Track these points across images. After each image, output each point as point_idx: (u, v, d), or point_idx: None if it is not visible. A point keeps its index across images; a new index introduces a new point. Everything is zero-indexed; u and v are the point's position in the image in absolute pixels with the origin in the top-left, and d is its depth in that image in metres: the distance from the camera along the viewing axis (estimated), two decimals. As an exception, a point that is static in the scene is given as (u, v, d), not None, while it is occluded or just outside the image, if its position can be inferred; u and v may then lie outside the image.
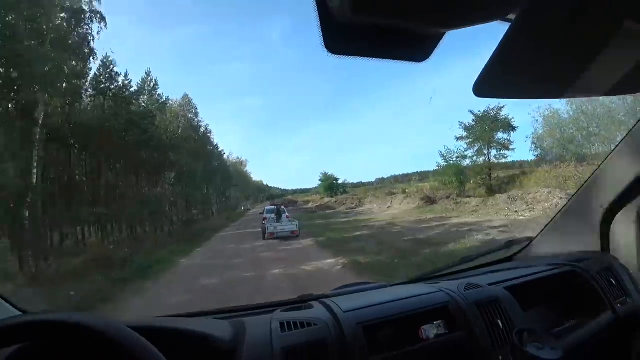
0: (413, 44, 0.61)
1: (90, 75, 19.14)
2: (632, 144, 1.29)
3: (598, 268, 1.32)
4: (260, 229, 16.84)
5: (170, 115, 25.59)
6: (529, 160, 24.92)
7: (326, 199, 51.41)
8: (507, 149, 23.93)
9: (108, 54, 20.28)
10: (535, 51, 0.63)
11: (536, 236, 1.63)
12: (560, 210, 1.58)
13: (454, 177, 23.77)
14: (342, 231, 16.18)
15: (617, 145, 1.34)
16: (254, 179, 75.97)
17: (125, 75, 22.06)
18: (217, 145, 44.44)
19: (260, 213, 20.97)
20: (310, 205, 49.92)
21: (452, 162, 24.41)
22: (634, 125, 1.26)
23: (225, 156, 48.01)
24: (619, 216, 1.39)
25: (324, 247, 11.91)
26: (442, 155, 24.92)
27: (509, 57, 0.61)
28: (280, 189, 68.69)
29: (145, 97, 24.73)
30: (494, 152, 24.35)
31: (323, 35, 0.54)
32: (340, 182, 55.14)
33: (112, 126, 18.51)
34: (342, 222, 20.73)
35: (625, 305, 1.27)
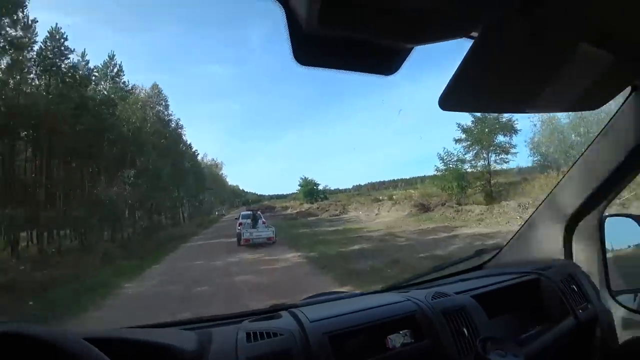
0: (381, 58, 0.63)
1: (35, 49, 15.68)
2: (592, 157, 1.34)
3: (561, 276, 1.36)
4: (235, 239, 15.44)
5: (134, 105, 22.03)
6: (529, 166, 22.87)
7: (306, 205, 48.60)
8: (508, 153, 21.85)
9: (59, 27, 16.86)
10: (496, 68, 0.68)
11: (505, 245, 1.66)
12: (528, 219, 1.62)
13: (455, 182, 21.34)
14: (334, 244, 13.33)
15: (579, 158, 1.40)
16: (229, 183, 72.87)
17: (82, 55, 18.59)
18: (190, 144, 40.99)
19: (236, 218, 20.13)
20: (289, 211, 47.00)
21: (451, 165, 22.00)
22: (593, 140, 1.32)
23: (199, 157, 44.47)
24: (580, 225, 1.44)
25: (320, 268, 9.18)
26: (441, 158, 22.45)
27: (472, 72, 0.66)
28: (257, 194, 67.45)
29: (108, 83, 21.27)
30: (493, 156, 22.21)
31: (292, 47, 0.56)
32: (320, 187, 52.33)
33: (57, 110, 15.01)
34: (331, 232, 18.05)
35: (586, 310, 1.32)
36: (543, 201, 1.54)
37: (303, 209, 38.23)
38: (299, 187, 53.82)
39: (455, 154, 22.20)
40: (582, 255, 1.43)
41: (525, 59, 0.68)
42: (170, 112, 27.85)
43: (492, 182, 22.03)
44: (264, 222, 17.28)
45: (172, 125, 28.52)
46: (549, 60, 0.71)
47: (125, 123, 20.48)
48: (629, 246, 1.45)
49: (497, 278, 1.37)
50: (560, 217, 1.44)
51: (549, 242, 1.49)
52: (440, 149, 23.15)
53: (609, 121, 1.25)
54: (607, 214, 1.40)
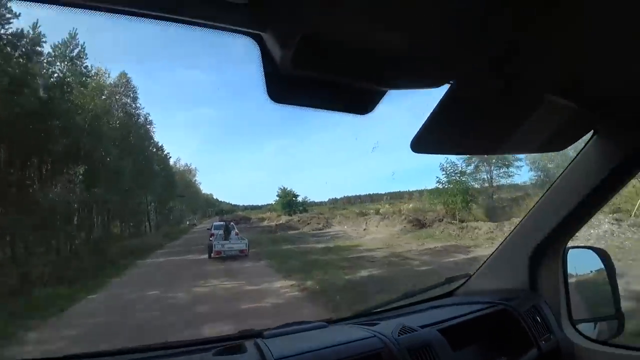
0: (355, 99, 0.64)
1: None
2: (556, 193, 1.37)
3: (526, 306, 1.37)
4: (206, 255, 14.01)
5: (94, 92, 18.54)
6: (527, 182, 21.00)
7: (284, 217, 45.57)
8: (511, 166, 19.85)
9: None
10: (467, 115, 0.72)
11: (474, 273, 1.65)
12: (497, 248, 1.63)
13: (459, 197, 18.96)
14: (333, 267, 10.48)
15: (544, 194, 1.44)
16: (203, 192, 68.90)
17: (35, 26, 15.11)
18: (162, 146, 37.30)
19: (208, 229, 19.45)
20: (266, 223, 43.65)
21: (454, 178, 19.69)
22: (558, 177, 1.37)
23: (171, 161, 40.72)
24: (545, 256, 1.44)
25: (333, 310, 6.01)
26: (444, 169, 20.09)
27: (444, 119, 0.69)
28: (231, 204, 62.35)
29: (65, 64, 17.73)
30: (495, 170, 20.15)
31: (266, 84, 0.56)
32: (299, 199, 49.37)
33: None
34: (321, 250, 15.18)
35: (549, 341, 1.33)
36: (511, 233, 1.57)
37: (282, 222, 35.04)
38: (277, 198, 50.71)
39: (458, 165, 20.02)
40: (546, 286, 1.45)
41: (495, 107, 0.74)
42: (138, 105, 24.35)
43: (494, 197, 19.99)
44: (237, 234, 16.52)
45: (140, 120, 24.96)
46: (517, 108, 0.78)
47: (82, 111, 16.96)
48: (590, 276, 1.48)
49: (465, 308, 1.38)
50: (526, 249, 1.46)
51: (515, 272, 1.51)
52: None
53: (573, 161, 1.31)
54: (569, 245, 1.45)
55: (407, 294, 1.54)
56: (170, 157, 40.00)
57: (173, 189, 39.08)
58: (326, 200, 46.28)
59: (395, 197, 40.48)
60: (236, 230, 17.35)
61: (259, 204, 49.01)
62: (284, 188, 50.99)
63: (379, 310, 1.47)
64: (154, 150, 33.63)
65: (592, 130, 1.19)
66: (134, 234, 24.42)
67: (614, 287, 1.38)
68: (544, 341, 1.30)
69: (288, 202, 47.98)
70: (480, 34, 0.54)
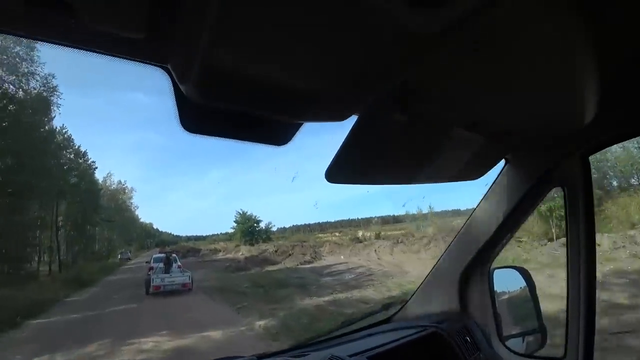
0: (270, 130, 0.64)
1: None
2: (478, 219, 1.41)
3: (456, 327, 1.38)
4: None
5: None
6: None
7: (244, 248, 36.53)
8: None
9: None
10: (378, 146, 0.74)
11: (410, 298, 1.65)
12: (429, 273, 1.62)
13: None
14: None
15: (467, 219, 1.46)
16: (141, 220, 57.46)
17: None
18: (85, 152, 27.16)
19: (147, 262, 17.37)
20: (223, 255, 34.53)
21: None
22: (479, 203, 1.41)
23: (100, 177, 30.43)
24: (472, 278, 1.47)
25: None
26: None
27: (355, 149, 0.70)
28: (173, 235, 60.55)
29: None
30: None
31: (178, 114, 0.56)
32: (262, 225, 40.39)
33: None
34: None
35: None
36: (440, 258, 1.58)
37: (251, 254, 26.01)
38: (235, 225, 41.10)
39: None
40: (475, 306, 1.46)
41: (405, 139, 0.76)
42: (37, 68, 14.89)
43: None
44: (179, 266, 14.88)
45: (36, 90, 15.30)
46: (426, 141, 0.80)
47: None
48: (515, 294, 1.50)
49: (399, 333, 1.37)
50: (455, 272, 1.47)
51: (446, 296, 1.51)
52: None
53: (490, 188, 1.36)
54: (494, 266, 1.47)
55: (345, 322, 1.54)
56: (96, 167, 29.54)
57: (96, 210, 28.45)
58: (274, 229, 41.23)
59: (345, 225, 39.42)
60: (179, 263, 15.62)
61: (203, 235, 48.51)
62: (243, 212, 41.56)
63: (314, 341, 1.42)
64: (69, 154, 23.51)
65: (504, 159, 1.26)
66: (12, 279, 14.23)
67: (536, 302, 1.42)
68: None
69: (248, 228, 38.79)
70: (380, 74, 0.55)
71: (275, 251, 24.29)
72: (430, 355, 1.32)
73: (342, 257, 20.99)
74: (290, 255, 23.33)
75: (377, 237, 24.94)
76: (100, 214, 30.02)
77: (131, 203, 43.82)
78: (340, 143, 0.69)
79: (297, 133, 0.65)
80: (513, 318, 1.50)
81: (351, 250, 22.09)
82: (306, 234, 41.86)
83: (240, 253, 36.19)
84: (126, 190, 40.61)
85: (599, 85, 0.74)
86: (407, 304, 1.64)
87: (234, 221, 40.78)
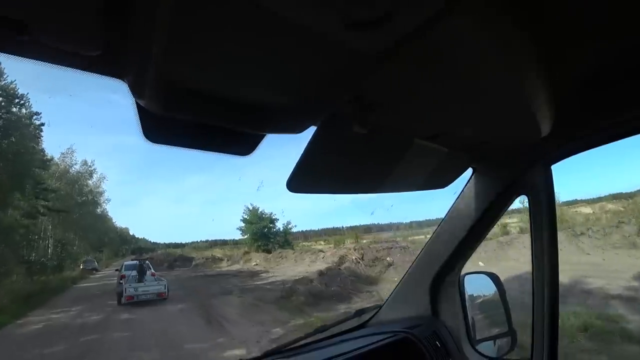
0: (233, 141, 0.63)
1: None
2: (447, 226, 1.41)
3: (427, 333, 1.38)
4: None
5: None
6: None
7: (257, 255, 26.08)
8: None
9: None
10: (338, 155, 0.73)
11: (383, 303, 1.64)
12: (402, 279, 1.62)
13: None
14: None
15: (438, 226, 1.47)
16: (116, 223, 46.30)
17: None
18: (32, 114, 16.68)
19: (117, 269, 16.42)
20: (229, 266, 25.76)
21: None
22: (448, 211, 1.40)
23: (56, 153, 19.99)
24: (444, 283, 1.47)
25: None
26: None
27: (314, 159, 0.69)
28: (150, 242, 52.89)
29: None
30: None
31: (140, 125, 0.54)
32: (279, 225, 29.78)
33: None
34: None
35: None
36: (412, 264, 1.57)
37: (319, 271, 15.62)
38: (243, 225, 30.28)
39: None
40: (447, 311, 1.47)
41: (363, 150, 0.75)
42: None
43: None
44: (153, 274, 13.38)
45: None
46: (386, 151, 0.80)
47: None
48: (486, 298, 1.52)
49: (372, 339, 1.35)
50: (427, 277, 1.48)
51: (418, 301, 1.52)
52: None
53: (458, 196, 1.35)
54: (464, 272, 1.46)
55: (319, 329, 1.46)
56: (42, 136, 18.64)
57: (36, 193, 17.33)
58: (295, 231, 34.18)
59: (330, 233, 37.40)
60: (153, 271, 13.94)
61: (182, 242, 42.15)
62: (254, 208, 30.67)
63: (289, 347, 1.38)
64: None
65: (471, 168, 1.26)
66: None
67: (506, 306, 1.43)
68: None
69: (262, 230, 28.01)
70: (333, 87, 0.55)
71: (361, 258, 13.64)
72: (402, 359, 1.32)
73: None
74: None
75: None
76: (46, 199, 18.73)
77: (103, 197, 32.16)
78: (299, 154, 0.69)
79: (261, 144, 0.65)
80: (484, 322, 1.50)
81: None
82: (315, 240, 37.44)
83: (254, 263, 25.45)
84: (94, 175, 29.02)
85: (557, 96, 0.74)
86: (381, 310, 1.62)
87: (242, 219, 29.88)
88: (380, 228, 33.09)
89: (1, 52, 0.46)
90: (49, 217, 20.85)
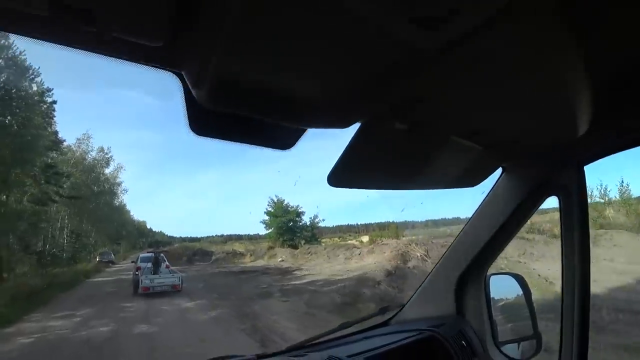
0: (275, 135, 0.66)
1: None
2: (475, 225, 1.40)
3: (453, 332, 1.37)
4: None
5: None
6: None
7: (283, 251, 24.07)
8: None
9: None
10: (378, 152, 0.77)
11: (407, 302, 1.62)
12: (426, 278, 1.61)
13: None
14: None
15: (465, 225, 1.45)
16: (133, 216, 45.22)
17: None
18: (35, 72, 14.99)
19: (133, 261, 16.70)
20: (252, 262, 24.12)
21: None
22: (476, 210, 1.39)
23: (71, 139, 18.33)
24: (469, 283, 1.45)
25: None
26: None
27: (356, 155, 0.73)
28: (167, 235, 50.96)
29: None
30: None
31: (187, 117, 0.57)
32: (306, 219, 27.47)
33: None
34: None
35: None
36: (437, 263, 1.57)
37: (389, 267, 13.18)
38: (268, 218, 28.00)
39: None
40: (472, 311, 1.45)
41: (403, 147, 0.78)
42: None
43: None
44: (167, 267, 13.53)
45: None
46: (424, 148, 0.82)
47: None
48: (511, 300, 1.50)
49: (396, 336, 1.35)
50: (452, 277, 1.46)
51: (443, 300, 1.50)
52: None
53: (487, 195, 1.34)
54: (490, 272, 1.46)
55: (342, 325, 1.46)
56: (54, 117, 17.04)
57: (47, 177, 15.55)
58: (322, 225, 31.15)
59: (344, 230, 36.43)
60: (167, 263, 13.89)
61: (197, 236, 40.28)
62: (279, 200, 28.43)
63: (311, 343, 1.38)
64: None
65: (501, 167, 1.25)
66: None
67: (531, 309, 1.40)
68: None
69: (288, 223, 25.79)
70: (382, 85, 0.58)
71: (426, 255, 11.17)
72: (427, 358, 1.32)
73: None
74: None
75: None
76: (58, 184, 16.90)
77: (121, 187, 30.39)
78: (340, 149, 0.71)
79: (301, 138, 0.67)
80: (508, 324, 1.48)
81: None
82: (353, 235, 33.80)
83: (280, 258, 23.31)
84: (111, 163, 27.21)
85: (594, 96, 0.74)
86: (404, 308, 1.61)
87: (266, 212, 27.69)
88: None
89: (64, 44, 0.46)
90: (63, 206, 19.10)
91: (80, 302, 9.58)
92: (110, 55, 0.50)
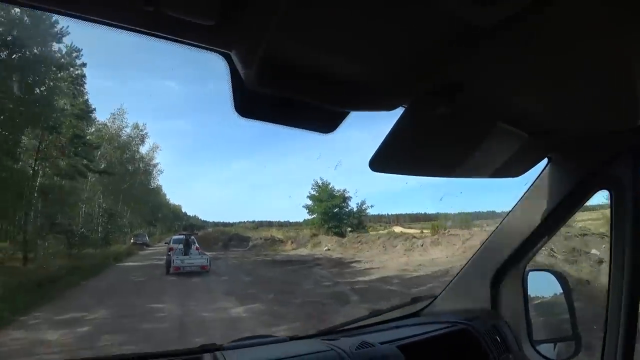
0: (319, 118, 0.65)
1: None
2: (515, 218, 1.34)
3: (486, 326, 1.34)
4: None
5: None
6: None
7: (328, 239, 21.63)
8: None
9: None
10: (422, 137, 0.74)
11: (440, 293, 1.60)
12: (462, 269, 1.57)
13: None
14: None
15: (504, 218, 1.40)
16: (169, 199, 44.88)
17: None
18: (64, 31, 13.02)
19: (167, 242, 17.10)
20: (295, 250, 22.64)
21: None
22: (517, 203, 1.33)
23: (106, 116, 17.76)
24: (506, 278, 1.40)
25: None
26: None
27: (400, 140, 0.71)
28: (200, 219, 50.94)
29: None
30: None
31: (233, 99, 0.57)
32: (353, 205, 24.74)
33: None
34: None
35: None
36: (473, 255, 1.53)
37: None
38: (311, 203, 25.52)
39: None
40: (507, 307, 1.41)
41: (449, 132, 0.75)
42: None
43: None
44: (197, 249, 14.16)
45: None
46: (470, 134, 0.78)
47: None
48: (549, 298, 1.44)
49: (428, 327, 1.34)
50: (488, 271, 1.41)
51: (477, 294, 1.46)
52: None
53: (530, 186, 1.27)
54: (529, 268, 1.39)
55: (373, 313, 1.48)
56: (85, 83, 15.00)
57: (77, 150, 13.68)
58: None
59: (374, 220, 32.59)
60: (197, 245, 14.54)
61: (230, 221, 39.49)
62: (324, 183, 25.74)
63: (343, 328, 1.39)
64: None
65: (547, 158, 1.18)
66: None
67: (572, 309, 1.34)
68: None
69: (333, 209, 23.14)
70: (429, 66, 0.56)
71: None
72: (460, 351, 1.29)
73: None
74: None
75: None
76: (88, 157, 15.08)
77: (156, 167, 28.83)
78: (375, 136, 0.70)
79: (343, 122, 0.67)
80: (545, 323, 1.44)
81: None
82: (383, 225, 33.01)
83: (325, 247, 20.68)
84: (145, 140, 25.54)
85: None
86: (436, 300, 1.59)
87: (309, 196, 25.21)
88: (427, 217, 29.58)
89: (126, 26, 0.48)
90: (96, 184, 17.47)
91: (99, 297, 7.45)
92: (162, 36, 0.50)
